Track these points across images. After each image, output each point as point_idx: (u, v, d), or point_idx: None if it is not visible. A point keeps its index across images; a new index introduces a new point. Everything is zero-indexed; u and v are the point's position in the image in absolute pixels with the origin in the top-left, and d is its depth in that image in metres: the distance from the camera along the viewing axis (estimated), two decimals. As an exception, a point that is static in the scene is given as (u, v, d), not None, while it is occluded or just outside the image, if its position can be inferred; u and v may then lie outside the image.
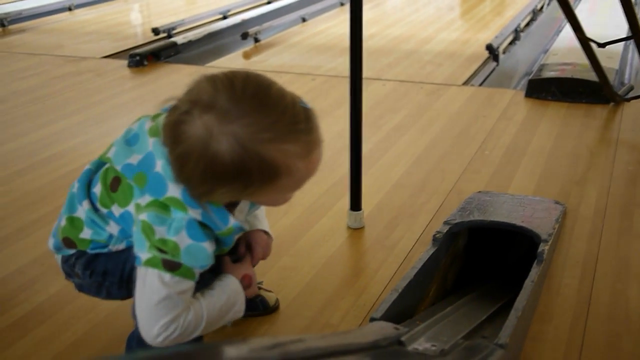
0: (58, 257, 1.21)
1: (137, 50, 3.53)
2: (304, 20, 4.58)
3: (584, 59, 2.67)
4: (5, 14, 4.58)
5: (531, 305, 1.35)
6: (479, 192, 1.87)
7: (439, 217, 1.78)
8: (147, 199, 1.02)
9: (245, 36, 3.97)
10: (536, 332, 1.35)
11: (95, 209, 1.12)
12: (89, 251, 1.15)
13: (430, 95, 2.92)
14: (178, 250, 1.00)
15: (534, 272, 1.39)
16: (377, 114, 2.66)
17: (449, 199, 1.92)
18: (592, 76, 2.69)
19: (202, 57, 3.72)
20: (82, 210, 1.13)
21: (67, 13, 5.00)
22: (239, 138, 0.92)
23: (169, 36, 4.10)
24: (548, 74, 2.88)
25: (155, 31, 4.17)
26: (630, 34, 2.43)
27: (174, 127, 0.95)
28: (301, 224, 1.79)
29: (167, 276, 1.01)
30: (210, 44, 4.05)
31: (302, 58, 3.67)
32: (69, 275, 1.22)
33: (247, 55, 3.80)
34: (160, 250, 1.01)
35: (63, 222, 1.15)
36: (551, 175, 2.07)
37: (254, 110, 0.93)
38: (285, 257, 1.64)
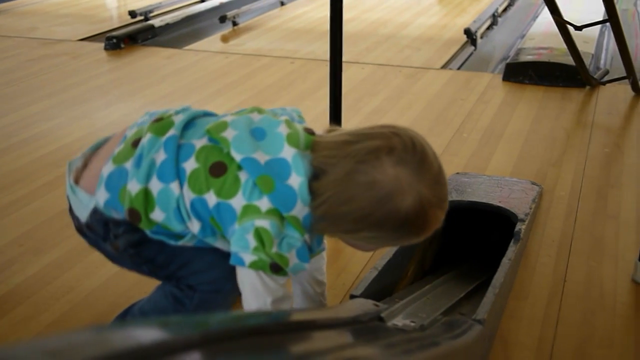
0: (84, 207, 1.04)
1: (114, 33, 3.50)
2: (282, 4, 4.56)
3: (560, 44, 2.70)
4: (-22, -4, 4.51)
5: (508, 282, 1.37)
6: (457, 173, 1.88)
7: (418, 198, 1.79)
8: (267, 204, 0.95)
9: (223, 19, 3.94)
10: (513, 309, 1.38)
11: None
12: (150, 234, 1.02)
13: (409, 79, 2.93)
14: (287, 266, 0.97)
15: (511, 250, 1.41)
16: (356, 97, 2.66)
17: (427, 180, 1.93)
18: (568, 60, 2.72)
19: (179, 40, 3.69)
20: (160, 186, 0.98)
21: (41, -5, 4.92)
22: (423, 197, 0.95)
23: (146, 19, 4.06)
24: (525, 57, 2.90)
25: (132, 14, 4.13)
26: (606, 18, 2.46)
27: (355, 165, 0.95)
28: (281, 205, 1.79)
29: (272, 276, 0.98)
30: (188, 27, 4.02)
31: (280, 42, 3.66)
32: (92, 232, 1.05)
33: (225, 39, 3.78)
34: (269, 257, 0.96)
35: (135, 190, 0.98)
36: (528, 157, 2.09)
37: (431, 174, 0.97)
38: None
